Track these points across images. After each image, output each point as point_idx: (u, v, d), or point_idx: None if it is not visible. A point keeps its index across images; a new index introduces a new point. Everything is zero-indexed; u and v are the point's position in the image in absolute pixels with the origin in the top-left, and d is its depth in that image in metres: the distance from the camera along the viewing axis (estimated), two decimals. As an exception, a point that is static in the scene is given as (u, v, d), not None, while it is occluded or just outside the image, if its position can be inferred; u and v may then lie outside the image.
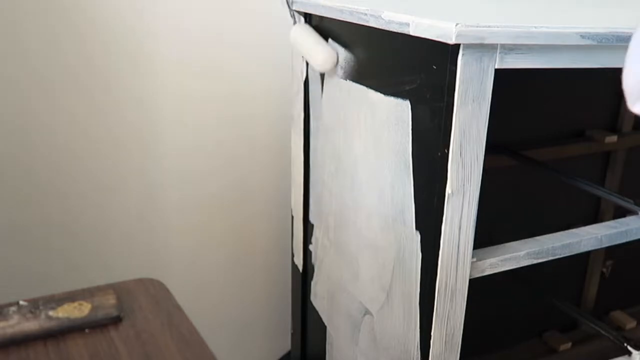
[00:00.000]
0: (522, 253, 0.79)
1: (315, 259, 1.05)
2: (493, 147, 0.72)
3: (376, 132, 0.80)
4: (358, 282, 0.91)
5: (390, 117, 0.76)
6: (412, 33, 0.66)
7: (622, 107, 1.25)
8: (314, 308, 1.09)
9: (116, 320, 0.77)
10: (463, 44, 0.62)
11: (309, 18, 0.94)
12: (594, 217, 1.32)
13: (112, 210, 1.15)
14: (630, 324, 1.40)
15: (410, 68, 0.71)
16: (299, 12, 0.94)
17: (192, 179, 1.21)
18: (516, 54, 0.65)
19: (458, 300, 0.75)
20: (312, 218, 1.04)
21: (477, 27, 0.61)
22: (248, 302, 1.36)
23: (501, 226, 1.03)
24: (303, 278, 1.10)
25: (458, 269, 0.73)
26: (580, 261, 1.36)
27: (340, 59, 0.87)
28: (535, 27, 0.64)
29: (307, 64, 0.96)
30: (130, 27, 1.06)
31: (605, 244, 0.87)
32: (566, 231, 0.85)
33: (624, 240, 0.88)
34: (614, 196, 1.02)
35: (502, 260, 0.78)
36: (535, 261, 0.81)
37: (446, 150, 0.66)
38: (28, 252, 1.09)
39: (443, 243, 0.70)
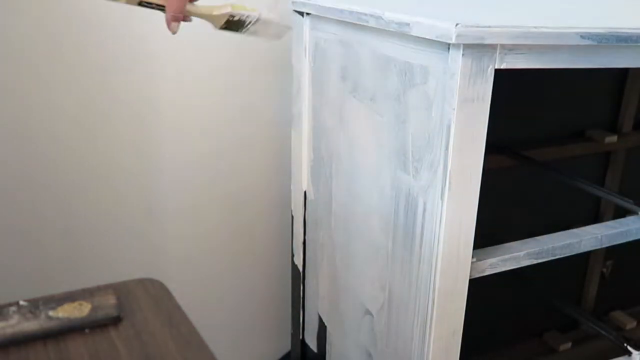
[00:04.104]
0: (522, 253, 0.79)
1: (315, 259, 1.05)
2: (493, 147, 0.72)
3: (376, 132, 0.80)
4: (358, 282, 0.91)
5: (390, 117, 0.76)
6: (412, 33, 0.66)
7: (622, 107, 1.25)
8: (314, 308, 1.09)
9: (116, 320, 0.77)
10: (463, 44, 0.62)
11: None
12: (594, 217, 1.32)
13: (112, 211, 1.15)
14: (630, 324, 1.40)
15: (410, 68, 0.71)
16: (299, 12, 0.94)
17: (193, 178, 1.21)
18: (516, 54, 0.65)
19: (458, 300, 0.75)
20: (312, 218, 1.04)
21: (477, 27, 0.61)
22: (248, 302, 1.36)
23: (501, 226, 1.03)
24: (303, 278, 1.10)
25: (458, 269, 0.73)
26: (580, 261, 1.36)
27: (340, 60, 0.87)
28: (535, 27, 0.64)
29: (309, 64, 0.96)
30: (130, 29, 1.06)
31: (605, 244, 0.87)
32: (566, 231, 0.85)
33: (624, 240, 0.88)
34: (614, 196, 1.02)
35: (502, 260, 0.78)
36: (535, 261, 0.81)
37: (446, 150, 0.66)
38: (28, 252, 1.09)
39: (443, 243, 0.70)
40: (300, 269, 1.10)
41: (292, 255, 1.13)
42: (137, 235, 1.19)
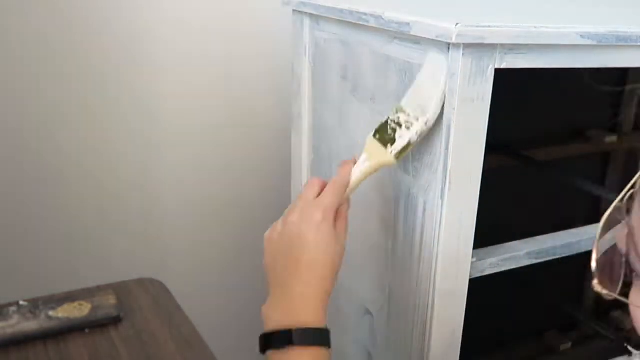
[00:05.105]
0: (522, 253, 0.79)
1: (315, 259, 1.05)
2: (493, 147, 0.72)
3: (376, 132, 0.80)
4: (358, 282, 0.91)
5: (390, 117, 0.76)
6: (412, 33, 0.66)
7: (622, 107, 1.25)
8: (314, 308, 1.09)
9: (116, 320, 0.77)
10: (463, 44, 0.62)
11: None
12: (594, 217, 1.32)
13: (112, 210, 1.15)
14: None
15: (410, 68, 0.71)
16: (299, 12, 0.94)
17: (192, 179, 1.21)
18: (516, 54, 0.65)
19: (458, 300, 0.75)
20: (312, 218, 1.04)
21: (477, 26, 0.61)
22: (248, 302, 1.36)
23: (501, 226, 1.03)
24: (303, 278, 1.10)
25: (458, 269, 0.73)
26: (580, 261, 1.35)
27: (340, 60, 0.87)
28: (535, 27, 0.64)
29: (309, 64, 0.96)
30: (129, 27, 1.06)
31: (605, 244, 0.86)
32: (566, 231, 0.85)
33: (623, 240, 0.88)
34: (614, 196, 1.02)
35: (502, 260, 0.78)
36: (535, 261, 0.81)
37: (446, 150, 0.66)
38: (28, 252, 1.09)
39: (443, 243, 0.70)
40: (300, 269, 1.10)
41: (292, 255, 1.12)
42: (137, 235, 1.19)
